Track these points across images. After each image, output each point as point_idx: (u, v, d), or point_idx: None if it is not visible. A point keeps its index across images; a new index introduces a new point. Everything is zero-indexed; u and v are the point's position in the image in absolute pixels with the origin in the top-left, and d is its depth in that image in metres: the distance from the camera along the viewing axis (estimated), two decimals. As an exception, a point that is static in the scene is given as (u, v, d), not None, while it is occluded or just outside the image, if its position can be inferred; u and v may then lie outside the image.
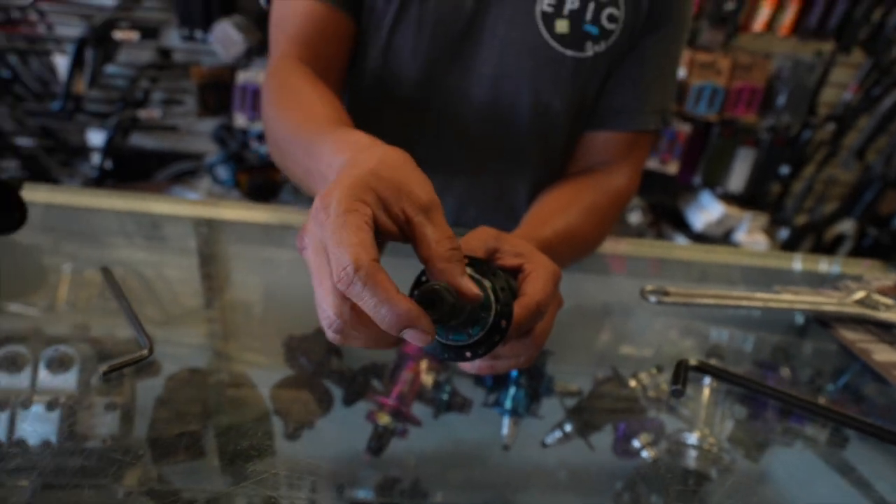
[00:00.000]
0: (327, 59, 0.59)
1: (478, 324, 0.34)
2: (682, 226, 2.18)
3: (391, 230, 0.33)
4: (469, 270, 0.36)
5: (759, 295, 0.56)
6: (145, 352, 0.44)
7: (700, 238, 2.07)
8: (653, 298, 0.53)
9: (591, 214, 0.57)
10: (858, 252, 2.34)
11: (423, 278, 0.36)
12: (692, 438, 0.60)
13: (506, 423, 0.59)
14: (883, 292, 0.62)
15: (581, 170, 0.66)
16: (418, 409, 0.50)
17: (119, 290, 0.51)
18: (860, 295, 0.59)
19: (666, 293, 0.54)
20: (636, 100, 0.61)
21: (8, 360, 0.46)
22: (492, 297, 0.35)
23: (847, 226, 2.32)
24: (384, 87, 0.63)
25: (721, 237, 2.12)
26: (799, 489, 0.52)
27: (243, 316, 0.62)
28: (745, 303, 0.54)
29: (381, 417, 0.52)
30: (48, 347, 0.47)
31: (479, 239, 0.39)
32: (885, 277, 0.68)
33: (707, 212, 2.07)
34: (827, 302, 0.57)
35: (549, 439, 0.62)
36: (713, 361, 0.65)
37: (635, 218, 2.01)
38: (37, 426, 0.40)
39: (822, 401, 0.60)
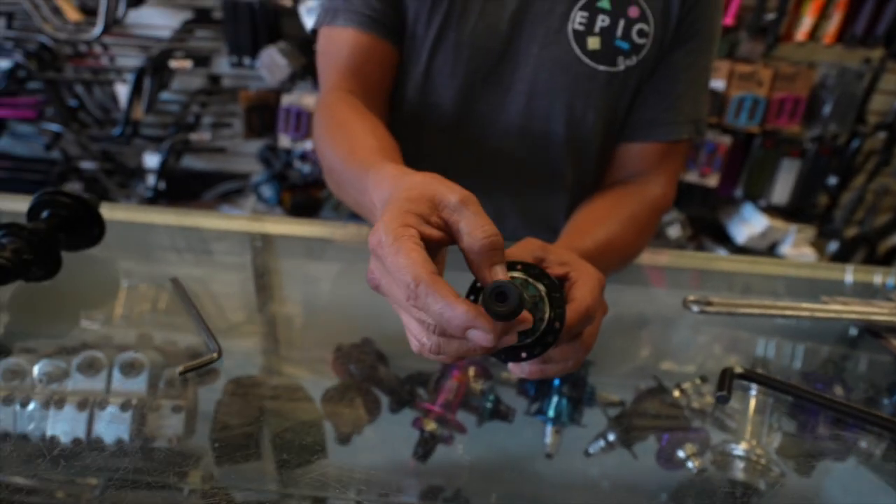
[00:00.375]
0: (373, 86, 0.62)
1: (532, 325, 0.36)
2: (724, 239, 2.13)
3: (441, 238, 0.35)
4: (522, 275, 0.38)
5: (805, 305, 0.55)
6: (215, 355, 0.47)
7: (743, 251, 2.02)
8: (695, 308, 0.53)
9: (630, 224, 0.58)
10: (916, 265, 2.22)
11: (478, 283, 0.38)
12: (738, 449, 0.59)
13: (549, 431, 0.59)
14: (940, 303, 0.60)
15: (616, 182, 0.67)
16: (462, 417, 0.51)
17: (188, 299, 0.55)
18: (915, 305, 0.58)
19: (709, 303, 0.54)
20: (667, 111, 0.61)
21: (86, 364, 0.50)
22: (546, 300, 0.36)
23: (902, 238, 2.21)
24: (424, 110, 0.66)
25: (765, 251, 2.05)
26: (851, 502, 0.50)
27: (295, 325, 0.65)
28: (790, 313, 0.53)
29: (427, 424, 0.53)
30: (122, 353, 0.51)
31: (527, 248, 0.41)
32: (942, 288, 0.65)
33: (750, 224, 2.02)
34: (877, 312, 0.55)
35: (593, 448, 0.62)
36: (758, 371, 0.64)
37: (674, 231, 1.97)
38: (111, 426, 0.44)
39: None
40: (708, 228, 2.18)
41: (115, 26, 1.68)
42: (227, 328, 0.60)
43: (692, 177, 1.92)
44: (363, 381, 0.55)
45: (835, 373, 0.62)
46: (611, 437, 0.61)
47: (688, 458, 0.58)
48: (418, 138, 0.68)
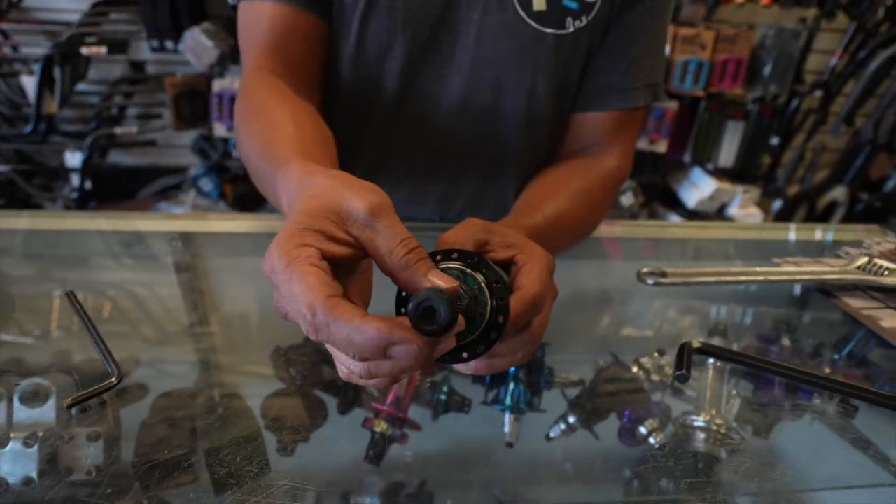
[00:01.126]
0: (299, 64, 0.57)
1: (473, 322, 0.32)
2: (675, 204, 2.16)
3: (352, 255, 0.31)
4: (458, 265, 0.34)
5: (759, 269, 0.54)
6: (113, 380, 0.42)
7: (694, 215, 2.06)
8: (650, 281, 0.51)
9: (583, 199, 0.55)
10: (851, 218, 2.34)
11: (403, 293, 0.34)
12: (699, 420, 0.59)
13: (507, 419, 0.57)
14: (885, 257, 0.60)
15: (570, 153, 0.64)
16: (416, 412, 0.49)
17: (84, 315, 0.49)
18: (862, 261, 0.58)
19: (663, 274, 0.52)
20: (623, 76, 0.59)
21: (-20, 395, 0.44)
22: (486, 293, 0.33)
23: (839, 192, 2.31)
24: (360, 87, 0.61)
25: (715, 213, 2.10)
26: (811, 464, 0.51)
27: (230, 330, 0.60)
28: (744, 278, 0.52)
29: (377, 424, 0.51)
30: (23, 380, 0.45)
31: (467, 231, 0.37)
32: (884, 241, 0.66)
33: (699, 188, 2.06)
34: (829, 271, 0.55)
35: (553, 432, 0.61)
36: (715, 340, 0.63)
37: (627, 199, 1.99)
38: (16, 464, 0.39)
39: (828, 371, 0.58)
40: (659, 194, 2.21)
41: (13, 10, 1.53)
42: (157, 338, 0.55)
43: (642, 143, 1.94)
44: (305, 385, 0.51)
45: (790, 336, 0.62)
46: (571, 420, 0.59)
47: (649, 433, 0.58)
48: (357, 118, 0.63)
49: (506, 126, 0.62)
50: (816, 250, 0.73)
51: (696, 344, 0.45)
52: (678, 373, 0.42)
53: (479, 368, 0.37)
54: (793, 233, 0.81)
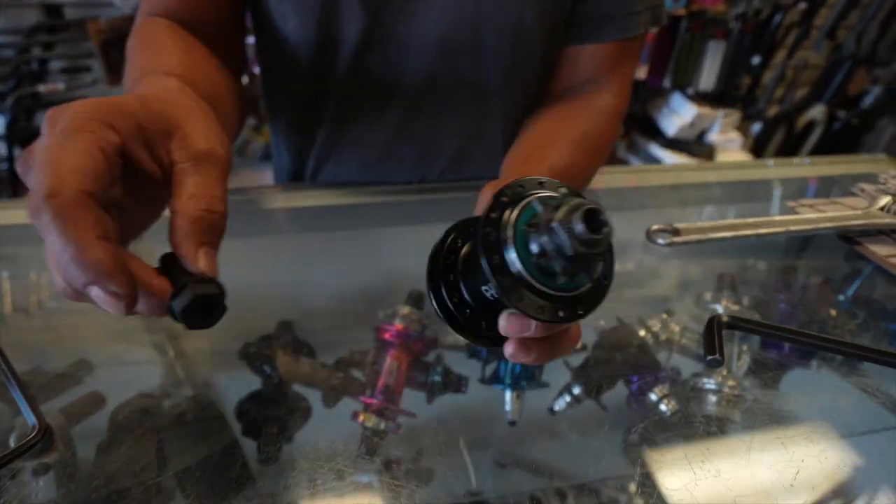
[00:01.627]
0: (202, 9, 0.47)
1: (581, 271, 0.23)
2: (655, 133, 2.10)
3: (153, 171, 0.26)
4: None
5: (778, 219, 0.49)
6: (34, 436, 0.35)
7: (674, 144, 2.00)
8: (661, 240, 0.46)
9: (584, 146, 0.48)
10: (828, 137, 2.32)
11: (175, 259, 0.27)
12: (711, 383, 0.56)
13: (508, 397, 0.53)
14: (904, 194, 0.56)
15: (562, 91, 0.56)
16: (410, 396, 0.46)
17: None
18: (884, 201, 0.53)
19: (676, 232, 0.46)
20: (622, 2, 0.50)
21: None
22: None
23: (817, 111, 2.27)
24: (313, 31, 0.51)
25: (695, 140, 2.05)
26: (827, 422, 0.48)
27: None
28: (764, 230, 0.47)
29: (366, 419, 0.46)
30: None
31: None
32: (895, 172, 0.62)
33: (679, 115, 1.99)
34: (853, 216, 0.51)
35: (558, 405, 0.57)
36: (726, 297, 0.59)
37: (607, 131, 1.92)
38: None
39: (854, 333, 0.54)
40: (639, 123, 2.14)
41: None
42: (104, 341, 0.48)
43: (621, 71, 1.84)
44: (283, 381, 0.46)
45: (816, 293, 0.57)
46: (576, 391, 0.55)
47: (660, 399, 0.54)
48: (314, 71, 0.54)
49: (489, 67, 0.53)
50: (826, 187, 0.68)
51: (724, 317, 0.40)
52: (710, 357, 0.38)
53: (541, 354, 0.27)
54: (798, 168, 0.76)
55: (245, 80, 1.72)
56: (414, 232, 0.62)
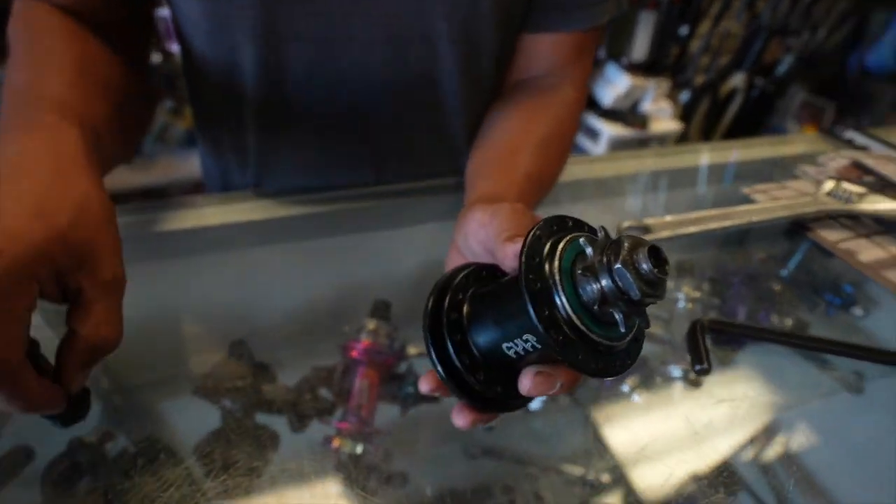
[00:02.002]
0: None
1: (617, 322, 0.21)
2: (590, 104, 2.12)
3: (52, 299, 0.28)
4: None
5: (740, 209, 0.50)
6: None
7: (610, 115, 2.04)
8: (632, 237, 0.46)
9: (553, 146, 0.46)
10: (748, 104, 2.44)
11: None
12: (677, 371, 0.57)
13: (484, 403, 0.52)
14: (844, 177, 0.58)
15: (523, 81, 0.53)
16: (384, 412, 0.45)
17: None
18: (830, 186, 0.55)
19: (646, 229, 0.46)
20: None
21: None
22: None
23: (738, 79, 2.38)
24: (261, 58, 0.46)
25: (629, 109, 2.10)
26: (789, 402, 0.51)
27: (137, 354, 0.47)
28: (728, 223, 0.48)
29: (342, 444, 0.43)
30: None
31: (479, 243, 0.29)
32: (836, 155, 0.64)
33: (615, 85, 2.02)
34: (806, 203, 0.52)
35: (534, 405, 0.57)
36: (687, 283, 0.60)
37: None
38: None
39: (796, 300, 0.57)
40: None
41: None
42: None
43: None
44: (245, 414, 0.42)
45: (776, 283, 0.59)
46: (552, 389, 0.55)
47: (632, 390, 0.55)
48: (261, 93, 0.48)
49: (442, 59, 0.49)
50: (768, 168, 0.70)
51: (706, 322, 0.40)
52: (699, 367, 0.37)
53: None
54: (744, 151, 0.77)
55: (159, 58, 1.55)
56: (373, 238, 0.58)
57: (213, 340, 0.48)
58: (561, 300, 0.19)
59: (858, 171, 0.61)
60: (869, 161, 0.61)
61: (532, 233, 0.20)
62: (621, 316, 0.19)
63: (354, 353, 0.49)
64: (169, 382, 0.45)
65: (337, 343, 0.50)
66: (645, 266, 0.18)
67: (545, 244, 0.20)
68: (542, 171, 0.43)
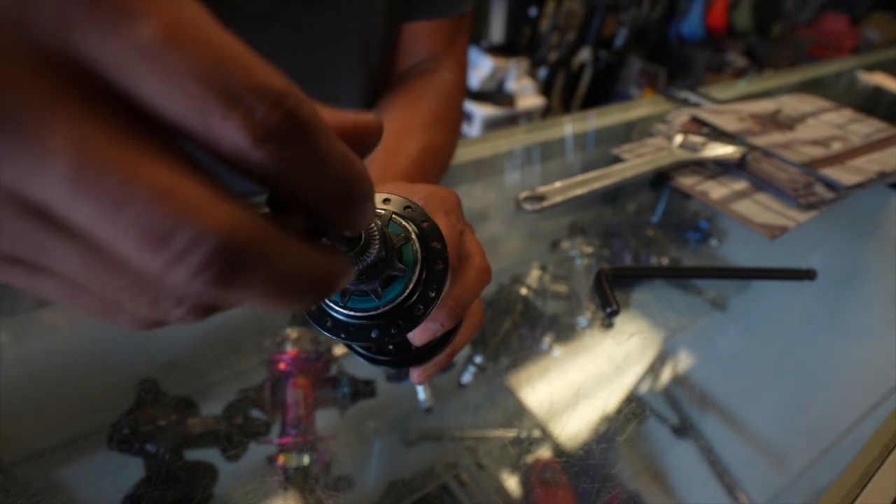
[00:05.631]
0: None
1: (394, 280, 0.22)
2: (460, 88, 2.20)
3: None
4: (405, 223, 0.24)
5: (616, 168, 0.56)
6: None
7: (480, 97, 2.12)
8: (529, 207, 0.49)
9: (437, 124, 0.48)
10: (597, 75, 2.67)
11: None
12: (584, 321, 0.62)
13: (419, 388, 0.53)
14: (688, 130, 0.68)
15: (405, 69, 0.55)
16: (324, 417, 0.45)
17: None
18: (679, 140, 0.64)
19: (541, 197, 0.50)
20: None
21: None
22: (413, 236, 0.23)
23: (585, 54, 2.59)
24: None
25: (496, 89, 2.20)
26: (679, 324, 0.58)
27: (41, 409, 0.42)
28: (608, 181, 0.54)
29: (287, 459, 0.42)
30: None
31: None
32: (678, 112, 0.74)
33: (479, 68, 2.10)
34: (664, 156, 0.60)
35: (465, 379, 0.59)
36: (580, 242, 0.66)
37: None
38: None
39: (665, 239, 0.66)
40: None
41: None
42: None
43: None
44: (174, 453, 0.39)
45: (651, 226, 0.67)
46: (478, 360, 0.58)
47: (550, 347, 0.59)
48: None
49: (340, 50, 0.49)
50: (624, 129, 0.79)
51: (607, 270, 0.45)
52: (609, 310, 0.42)
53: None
54: (597, 118, 0.85)
55: None
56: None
57: (121, 384, 0.44)
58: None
59: (697, 125, 0.70)
60: (704, 115, 0.72)
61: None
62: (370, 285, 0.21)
63: (282, 366, 0.48)
64: (78, 441, 0.40)
65: (260, 359, 0.48)
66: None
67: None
68: (431, 147, 0.45)
